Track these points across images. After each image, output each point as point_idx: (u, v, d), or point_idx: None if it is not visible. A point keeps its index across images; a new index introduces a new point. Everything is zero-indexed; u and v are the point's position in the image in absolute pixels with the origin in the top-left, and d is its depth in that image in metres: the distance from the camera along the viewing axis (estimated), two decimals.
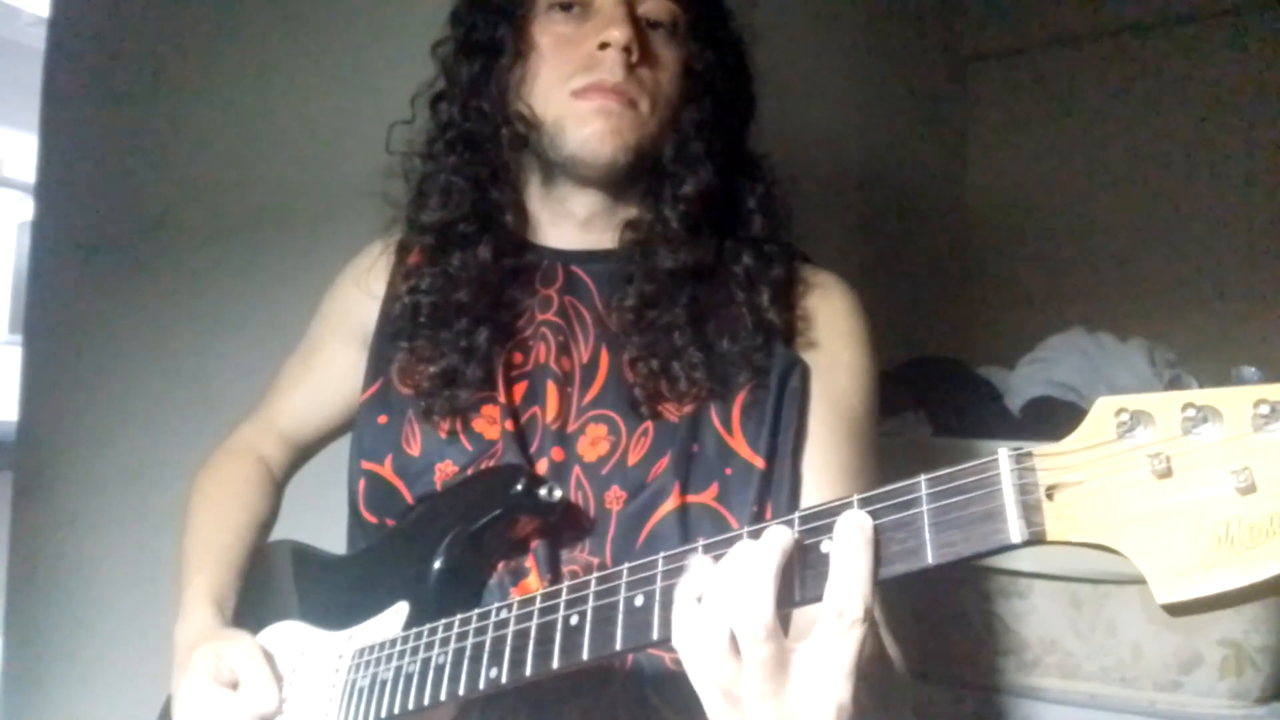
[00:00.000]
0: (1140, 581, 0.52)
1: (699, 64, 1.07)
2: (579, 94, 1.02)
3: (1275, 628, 1.69)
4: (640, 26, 1.04)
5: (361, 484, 1.05)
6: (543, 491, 0.94)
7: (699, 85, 1.06)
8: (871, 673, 0.72)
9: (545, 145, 1.05)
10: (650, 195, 1.06)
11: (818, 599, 0.63)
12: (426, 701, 0.82)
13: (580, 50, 1.03)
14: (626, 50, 1.01)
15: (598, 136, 1.01)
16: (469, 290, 1.05)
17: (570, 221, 1.09)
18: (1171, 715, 1.72)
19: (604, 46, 1.01)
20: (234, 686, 0.94)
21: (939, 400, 2.18)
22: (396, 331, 1.09)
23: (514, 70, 1.07)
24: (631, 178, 1.05)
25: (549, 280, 1.08)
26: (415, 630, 0.87)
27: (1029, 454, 0.57)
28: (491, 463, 1.00)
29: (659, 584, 0.70)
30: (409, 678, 0.85)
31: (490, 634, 0.79)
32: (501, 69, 1.07)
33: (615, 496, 0.98)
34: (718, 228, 1.06)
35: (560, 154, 1.04)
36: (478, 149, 1.08)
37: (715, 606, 0.65)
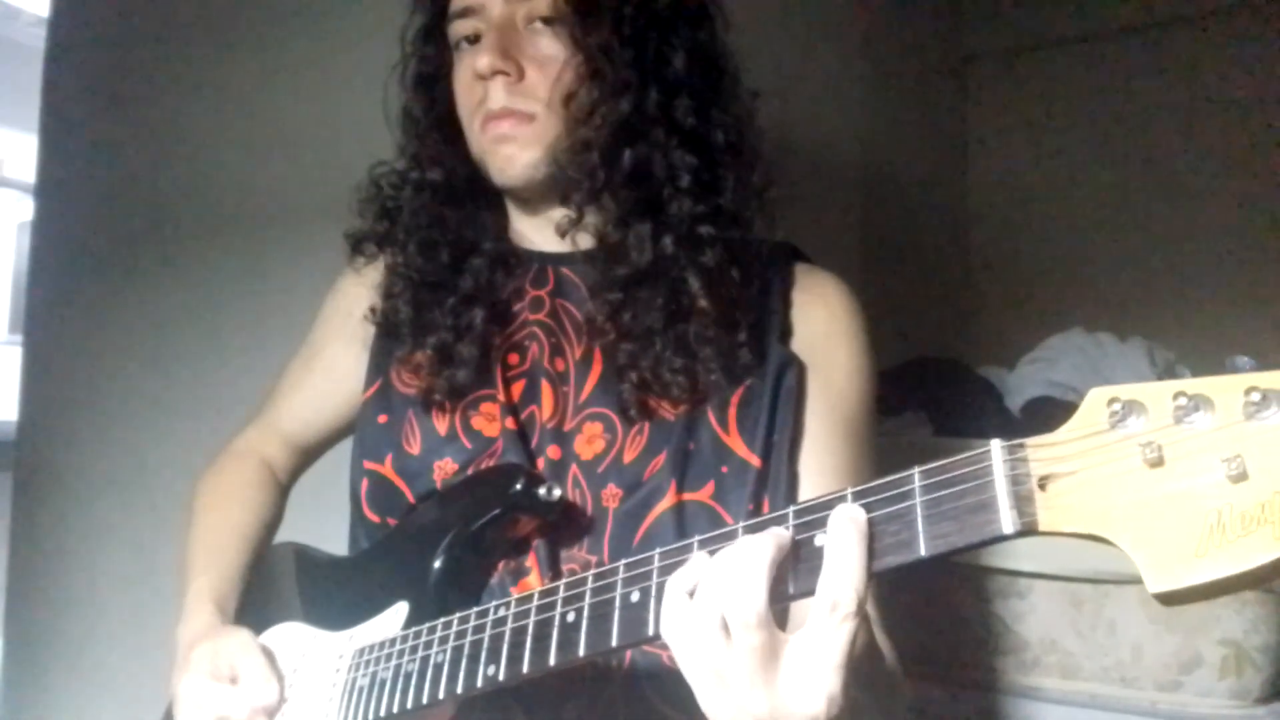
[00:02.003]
0: (1141, 581, 0.52)
1: (596, 48, 1.01)
2: (482, 128, 1.04)
3: (1275, 628, 1.69)
4: (517, 39, 1.02)
5: (364, 484, 1.06)
6: (542, 491, 0.94)
7: (601, 74, 1.01)
8: (864, 666, 0.72)
9: (487, 178, 1.07)
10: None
11: (811, 593, 0.63)
12: (425, 700, 0.82)
13: (477, 86, 1.04)
14: (501, 73, 1.01)
15: (504, 163, 1.03)
16: (452, 268, 1.07)
17: (550, 227, 1.08)
18: (1171, 715, 1.72)
19: (482, 78, 1.02)
20: (233, 681, 0.94)
21: (939, 400, 2.19)
22: (395, 326, 1.09)
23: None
24: (569, 185, 1.03)
25: (540, 283, 1.09)
26: (414, 629, 0.87)
27: (1021, 445, 0.57)
28: (492, 461, 1.01)
29: (654, 580, 0.70)
30: (408, 676, 0.85)
31: (488, 632, 0.79)
32: (444, 111, 1.10)
33: (612, 494, 0.98)
34: (654, 218, 1.01)
35: (496, 184, 1.07)
36: (447, 182, 1.10)
37: (708, 594, 0.65)
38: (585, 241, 1.05)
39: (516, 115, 1.02)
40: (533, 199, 1.08)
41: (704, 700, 0.67)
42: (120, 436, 1.67)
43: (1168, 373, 2.08)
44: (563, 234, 1.04)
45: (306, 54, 1.74)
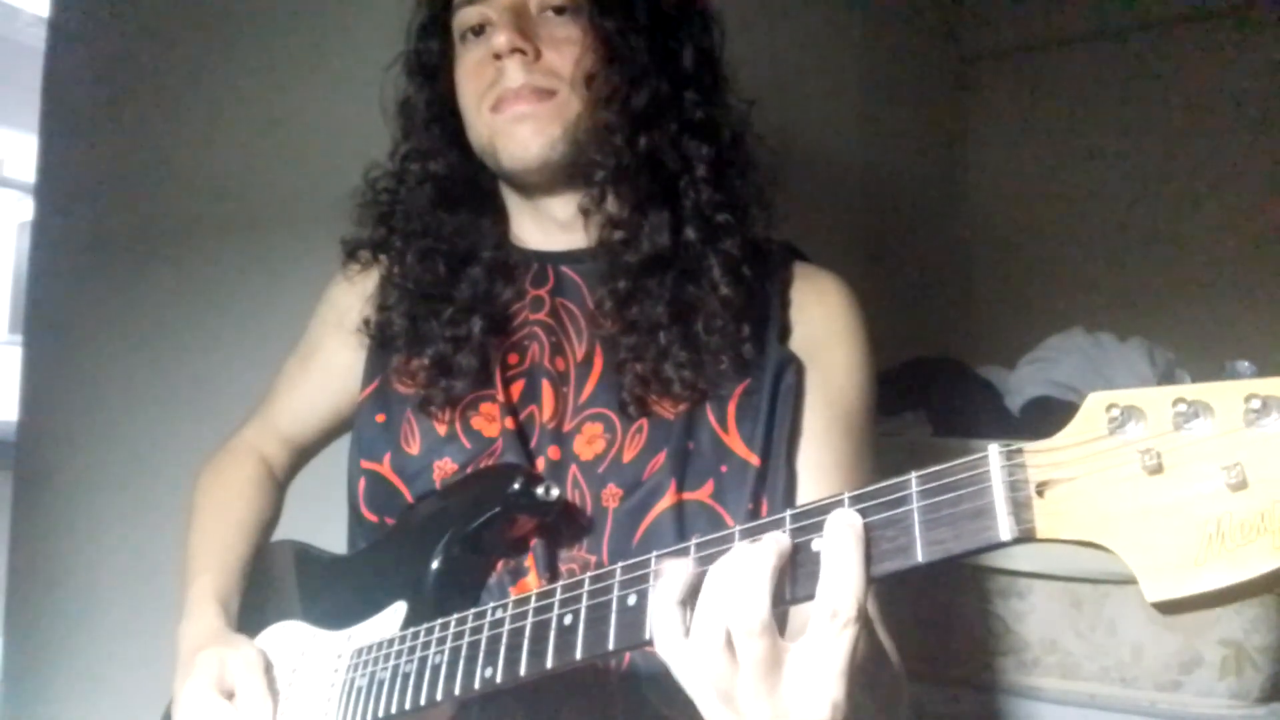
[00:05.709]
0: None
1: (615, 33, 1.03)
2: (494, 109, 1.03)
3: (1275, 628, 1.69)
4: (531, 23, 1.03)
5: (362, 483, 1.06)
6: (540, 490, 0.94)
7: (620, 58, 1.03)
8: (868, 671, 0.72)
9: (493, 167, 1.06)
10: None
11: (810, 598, 0.63)
12: (423, 701, 0.82)
13: (487, 69, 1.03)
14: (519, 51, 1.01)
15: (521, 143, 1.02)
16: (449, 277, 1.07)
17: (552, 224, 1.09)
18: (1171, 715, 1.72)
19: (498, 57, 1.02)
20: (231, 697, 0.94)
21: (939, 400, 2.18)
22: (390, 338, 1.09)
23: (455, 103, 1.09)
24: (588, 168, 1.03)
25: (539, 282, 1.08)
26: (413, 630, 0.87)
27: (1019, 450, 0.57)
28: (491, 461, 1.01)
29: (651, 583, 0.70)
30: (406, 677, 0.85)
31: (486, 633, 0.79)
32: (445, 105, 1.10)
33: (611, 494, 0.98)
34: (671, 207, 1.03)
35: (503, 172, 1.06)
36: (446, 176, 1.10)
37: (710, 604, 0.64)
38: (589, 237, 1.06)
39: (537, 91, 1.01)
40: (539, 188, 1.07)
41: (707, 713, 0.66)
42: (120, 436, 1.67)
43: (1168, 373, 2.08)
44: (585, 214, 1.04)
45: (306, 55, 1.74)
